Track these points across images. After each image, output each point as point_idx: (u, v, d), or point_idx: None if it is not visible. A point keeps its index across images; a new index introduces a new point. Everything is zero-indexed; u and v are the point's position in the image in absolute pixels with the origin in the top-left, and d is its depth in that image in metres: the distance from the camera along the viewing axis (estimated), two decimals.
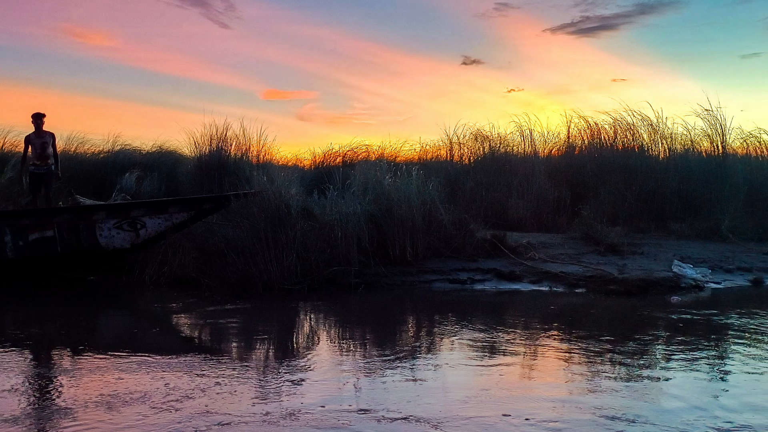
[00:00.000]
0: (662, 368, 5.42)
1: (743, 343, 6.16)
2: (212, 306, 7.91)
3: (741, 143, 13.91)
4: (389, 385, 4.89)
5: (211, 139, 12.96)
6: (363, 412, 4.24)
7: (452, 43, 29.78)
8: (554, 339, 6.49)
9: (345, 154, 15.39)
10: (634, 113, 13.68)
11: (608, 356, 5.77)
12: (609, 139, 13.91)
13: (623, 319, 7.59)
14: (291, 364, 5.52)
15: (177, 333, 7.26)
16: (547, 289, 9.00)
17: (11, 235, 8.75)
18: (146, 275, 9.02)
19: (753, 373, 5.20)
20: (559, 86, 28.01)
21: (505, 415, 4.20)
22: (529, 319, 7.56)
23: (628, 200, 12.11)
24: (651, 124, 13.57)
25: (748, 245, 11.05)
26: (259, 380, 5.00)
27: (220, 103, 28.85)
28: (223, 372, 5.13)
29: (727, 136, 13.33)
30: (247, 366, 5.42)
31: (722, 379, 5.10)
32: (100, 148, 15.17)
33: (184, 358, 5.59)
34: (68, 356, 5.86)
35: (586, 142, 14.21)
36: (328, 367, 5.44)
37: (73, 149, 14.59)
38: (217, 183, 12.17)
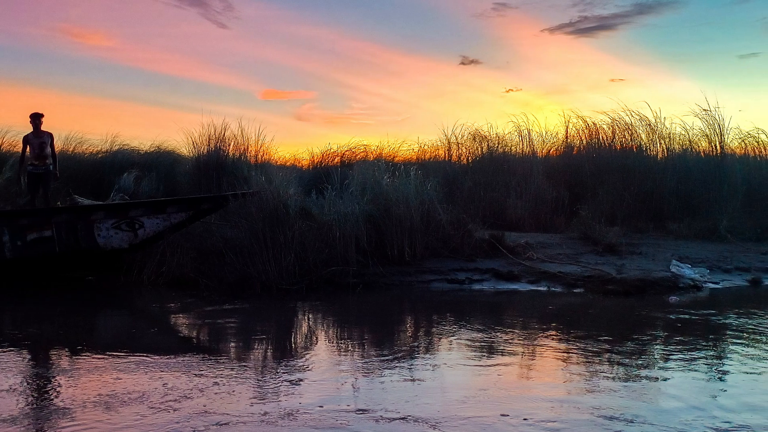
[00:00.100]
0: (660, 368, 5.42)
1: (741, 343, 6.17)
2: (210, 306, 7.91)
3: (739, 143, 13.95)
4: (387, 385, 4.89)
5: (209, 139, 12.97)
6: (361, 412, 4.24)
7: (450, 43, 29.82)
8: (552, 339, 6.50)
9: (343, 154, 15.38)
10: (633, 113, 13.72)
11: (606, 356, 5.77)
12: (607, 139, 13.93)
13: (621, 319, 7.59)
14: (289, 364, 5.52)
15: (175, 333, 7.25)
16: (545, 289, 9.01)
17: (9, 235, 8.74)
18: (144, 275, 9.01)
19: (751, 373, 5.20)
20: (557, 86, 28.04)
21: (503, 415, 4.20)
22: (528, 319, 7.57)
23: (627, 200, 12.12)
24: (649, 124, 13.61)
25: (746, 245, 11.06)
26: (258, 380, 5.00)
27: (218, 103, 28.89)
28: (221, 372, 5.13)
29: (726, 136, 13.38)
30: (245, 366, 5.42)
31: (720, 379, 5.11)
32: (99, 148, 15.15)
33: (182, 358, 5.59)
34: (66, 356, 5.85)
35: (584, 142, 14.23)
36: (327, 367, 5.44)
37: (71, 149, 14.57)
38: (215, 183, 12.16)
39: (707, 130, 13.42)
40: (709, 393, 4.73)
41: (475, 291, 8.99)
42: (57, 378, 5.01)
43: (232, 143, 13.00)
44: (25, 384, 4.86)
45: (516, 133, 14.40)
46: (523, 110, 29.79)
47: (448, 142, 14.96)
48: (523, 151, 14.29)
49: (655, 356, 5.85)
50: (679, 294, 8.65)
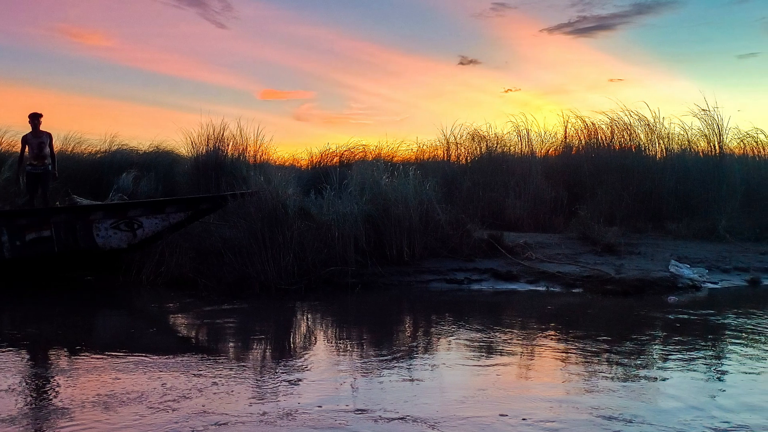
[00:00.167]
0: (659, 368, 5.43)
1: (740, 343, 6.17)
2: (209, 306, 7.90)
3: (738, 143, 13.95)
4: (386, 385, 4.89)
5: (208, 139, 12.97)
6: (360, 412, 4.24)
7: (449, 43, 29.82)
8: (551, 339, 6.50)
9: (342, 154, 15.37)
10: (631, 113, 13.72)
11: (605, 356, 5.78)
12: (606, 139, 13.93)
13: (620, 319, 7.59)
14: (288, 364, 5.52)
15: (174, 333, 7.25)
16: (544, 289, 9.01)
17: (8, 235, 8.74)
18: (143, 275, 9.01)
19: (750, 373, 5.21)
20: (556, 86, 28.06)
21: (502, 415, 4.20)
22: (526, 319, 7.57)
23: (625, 200, 12.12)
24: (648, 124, 13.61)
25: (745, 245, 11.07)
26: (256, 380, 5.00)
27: (217, 103, 28.87)
28: (220, 372, 5.13)
29: (724, 136, 13.38)
30: (244, 366, 5.42)
31: (719, 379, 5.11)
32: (97, 148, 15.16)
33: (181, 358, 5.58)
34: (65, 356, 5.85)
35: (583, 142, 14.23)
36: (325, 367, 5.44)
37: (70, 149, 14.57)
38: (214, 183, 12.16)
39: (706, 130, 13.44)
40: (707, 393, 4.73)
41: (473, 291, 9.00)
42: (56, 378, 5.01)
43: (231, 143, 13.03)
44: (24, 384, 4.86)
45: (515, 133, 14.42)
46: (522, 110, 29.74)
47: (447, 142, 14.98)
48: (521, 151, 14.30)
49: (654, 356, 5.85)
50: (677, 294, 8.65)
